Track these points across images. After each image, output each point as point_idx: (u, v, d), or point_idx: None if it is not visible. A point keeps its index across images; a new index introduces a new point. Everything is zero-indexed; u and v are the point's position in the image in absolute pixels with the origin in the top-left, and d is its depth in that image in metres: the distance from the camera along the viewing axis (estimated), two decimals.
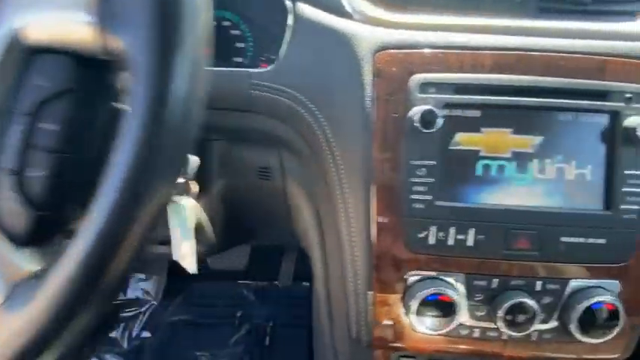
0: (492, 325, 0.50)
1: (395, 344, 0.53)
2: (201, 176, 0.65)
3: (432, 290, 0.48)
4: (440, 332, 0.49)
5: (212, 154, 0.64)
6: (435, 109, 0.46)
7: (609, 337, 0.49)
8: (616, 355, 0.53)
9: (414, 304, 0.48)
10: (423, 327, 0.49)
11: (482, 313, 0.50)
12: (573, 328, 0.49)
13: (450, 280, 0.50)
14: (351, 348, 0.60)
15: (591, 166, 0.48)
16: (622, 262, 0.49)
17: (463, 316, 0.51)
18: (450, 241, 0.49)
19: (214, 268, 1.56)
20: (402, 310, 0.50)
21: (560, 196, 0.49)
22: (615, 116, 0.47)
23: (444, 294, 0.48)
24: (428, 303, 0.49)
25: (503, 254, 0.49)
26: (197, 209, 0.49)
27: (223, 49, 0.67)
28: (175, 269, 1.65)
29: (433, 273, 0.49)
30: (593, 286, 0.50)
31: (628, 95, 0.47)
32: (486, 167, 0.49)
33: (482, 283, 0.50)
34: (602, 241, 0.48)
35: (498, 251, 0.49)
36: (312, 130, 0.53)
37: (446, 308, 0.49)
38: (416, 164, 0.48)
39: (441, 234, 0.48)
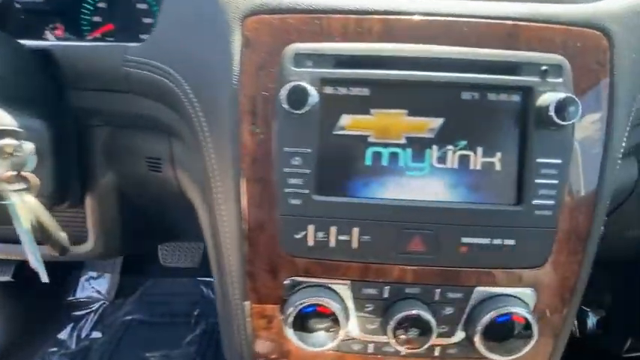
0: (385, 340, 0.43)
1: None
2: (84, 166, 0.58)
3: (307, 301, 0.41)
4: (324, 349, 0.42)
5: (95, 141, 0.57)
6: (307, 86, 0.38)
7: (519, 354, 0.42)
8: None
9: (290, 317, 0.41)
10: (305, 343, 0.42)
11: (375, 326, 0.43)
12: (477, 343, 0.42)
13: (335, 287, 0.42)
14: None
15: (500, 154, 0.41)
16: (536, 267, 0.42)
17: (353, 330, 0.44)
18: (332, 243, 0.41)
19: (167, 266, 1.49)
20: (284, 326, 0.43)
21: (463, 190, 0.41)
22: (528, 94, 0.40)
23: (322, 305, 0.41)
24: (310, 315, 0.42)
25: (395, 258, 0.41)
26: (36, 206, 0.41)
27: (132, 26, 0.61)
28: (130, 267, 1.59)
29: (314, 280, 0.42)
30: (502, 295, 0.42)
31: (543, 68, 0.39)
32: (376, 155, 0.41)
33: (372, 291, 0.42)
34: (511, 242, 0.41)
35: (388, 254, 0.41)
36: (188, 113, 0.45)
37: (332, 322, 0.42)
38: (290, 152, 0.40)
39: (321, 234, 0.41)
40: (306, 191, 0.40)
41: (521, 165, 0.40)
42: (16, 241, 0.62)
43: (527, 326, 0.41)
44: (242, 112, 0.41)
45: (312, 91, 0.38)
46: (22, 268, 1.18)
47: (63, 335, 1.32)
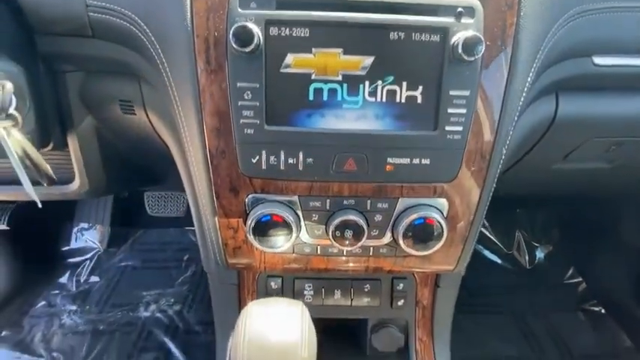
0: (330, 243, 0.53)
1: (248, 264, 0.57)
2: (63, 110, 0.63)
3: (265, 211, 0.50)
4: (282, 249, 0.52)
5: (69, 86, 0.61)
6: (252, 26, 0.44)
7: (433, 249, 0.53)
8: (450, 267, 0.58)
9: (252, 223, 0.51)
10: (265, 246, 0.52)
11: (320, 232, 0.53)
12: (401, 242, 0.52)
13: (287, 202, 0.52)
14: (218, 270, 0.64)
15: (422, 88, 0.48)
16: (448, 181, 0.51)
17: (304, 236, 0.54)
18: (282, 165, 0.49)
19: (154, 215, 1.59)
20: (246, 233, 0.53)
21: (390, 120, 0.49)
22: (445, 34, 0.46)
23: (276, 214, 0.50)
24: (268, 225, 0.51)
25: (333, 176, 0.50)
26: (23, 141, 0.47)
27: None
28: (119, 218, 1.67)
29: (270, 196, 0.51)
30: (421, 204, 0.52)
31: (459, 10, 0.45)
32: (318, 91, 0.48)
33: (317, 204, 0.52)
34: (427, 161, 0.50)
35: (328, 173, 0.50)
36: (151, 55, 0.50)
37: (285, 228, 0.51)
38: (242, 87, 0.46)
39: (272, 158, 0.49)
40: (258, 122, 0.47)
41: (438, 97, 0.48)
42: (9, 182, 0.69)
43: (441, 229, 0.52)
44: (197, 52, 0.46)
45: (257, 30, 0.44)
46: (16, 217, 1.26)
47: (63, 279, 1.44)
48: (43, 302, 1.35)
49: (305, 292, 0.64)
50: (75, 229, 1.56)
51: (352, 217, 0.51)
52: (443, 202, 0.52)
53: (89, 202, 1.59)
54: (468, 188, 0.52)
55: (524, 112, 0.54)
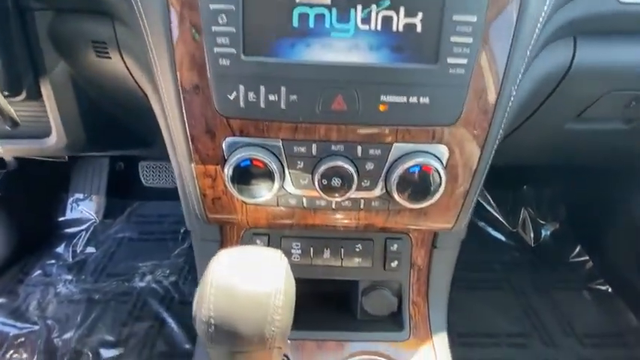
0: (317, 194, 0.49)
1: (230, 218, 0.53)
2: (33, 54, 0.58)
3: (244, 155, 0.45)
4: (265, 200, 0.48)
5: (39, 26, 0.57)
6: None
7: (429, 202, 0.48)
8: (449, 225, 0.54)
9: (229, 170, 0.46)
10: (245, 196, 0.48)
11: (306, 182, 0.48)
12: (394, 193, 0.47)
13: (269, 146, 0.47)
14: (200, 226, 0.60)
15: (422, 14, 0.42)
16: (448, 124, 0.46)
17: (288, 186, 0.49)
18: (262, 103, 0.44)
19: (149, 186, 1.56)
20: (225, 181, 0.48)
21: (385, 51, 0.43)
22: None
23: (256, 158, 0.45)
24: (248, 172, 0.47)
25: (319, 116, 0.45)
26: None
27: None
28: (114, 190, 1.65)
29: (250, 139, 0.46)
30: (418, 151, 0.47)
31: None
32: (303, 17, 0.42)
33: (302, 149, 0.47)
34: (426, 100, 0.44)
35: (314, 113, 0.45)
36: None
37: (267, 176, 0.47)
38: (216, 9, 0.41)
39: (251, 94, 0.44)
40: (234, 51, 0.42)
41: (440, 24, 0.42)
42: None
43: (439, 179, 0.47)
44: None
45: None
46: (7, 184, 1.23)
47: (59, 250, 1.43)
48: (39, 271, 1.35)
49: (293, 251, 0.60)
50: (70, 200, 1.54)
51: (341, 163, 0.46)
52: (442, 150, 0.47)
53: (84, 172, 1.56)
54: (472, 134, 0.47)
55: (538, 57, 0.48)
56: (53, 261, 1.39)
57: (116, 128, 0.77)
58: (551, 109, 0.60)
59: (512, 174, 1.55)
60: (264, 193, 0.47)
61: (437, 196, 0.47)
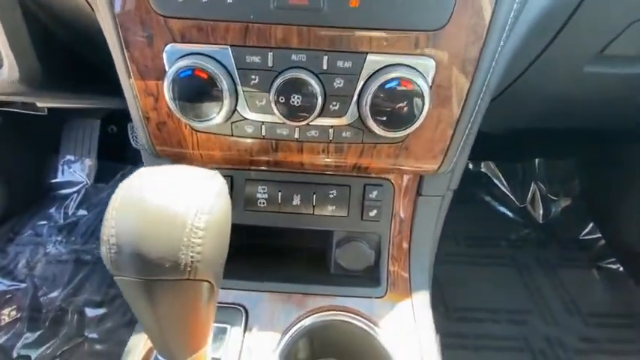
0: (277, 120, 0.42)
1: (179, 152, 0.47)
2: None
3: (185, 63, 0.38)
4: (215, 124, 0.41)
5: None
6: None
7: (410, 129, 0.40)
8: (434, 165, 0.46)
9: (169, 83, 0.38)
10: (190, 117, 0.41)
11: (263, 102, 0.40)
12: (369, 120, 0.38)
13: (217, 56, 0.38)
14: (150, 164, 0.54)
15: None
16: (434, 29, 0.37)
17: (243, 109, 0.42)
18: None
19: (138, 148, 1.52)
20: (170, 103, 0.41)
21: None
22: None
23: (199, 67, 0.38)
24: (193, 84, 0.39)
25: (275, 14, 0.36)
26: None
27: None
28: (105, 153, 1.61)
29: (193, 46, 0.39)
30: (398, 64, 0.38)
31: None
32: None
33: (256, 59, 0.38)
34: None
35: (267, 10, 0.36)
36: None
37: (215, 90, 0.39)
38: None
39: None
40: None
41: None
42: None
43: (421, 99, 0.38)
44: None
45: None
46: None
47: (51, 211, 1.42)
48: (30, 231, 1.34)
49: (258, 196, 0.54)
50: (61, 161, 1.52)
51: (302, 75, 0.38)
52: (427, 63, 0.38)
53: (74, 134, 1.53)
54: (464, 45, 0.37)
55: None
56: (44, 222, 1.38)
57: (76, 64, 0.70)
58: (568, 42, 0.50)
59: (522, 145, 1.44)
60: (212, 114, 0.40)
61: (418, 122, 0.39)
